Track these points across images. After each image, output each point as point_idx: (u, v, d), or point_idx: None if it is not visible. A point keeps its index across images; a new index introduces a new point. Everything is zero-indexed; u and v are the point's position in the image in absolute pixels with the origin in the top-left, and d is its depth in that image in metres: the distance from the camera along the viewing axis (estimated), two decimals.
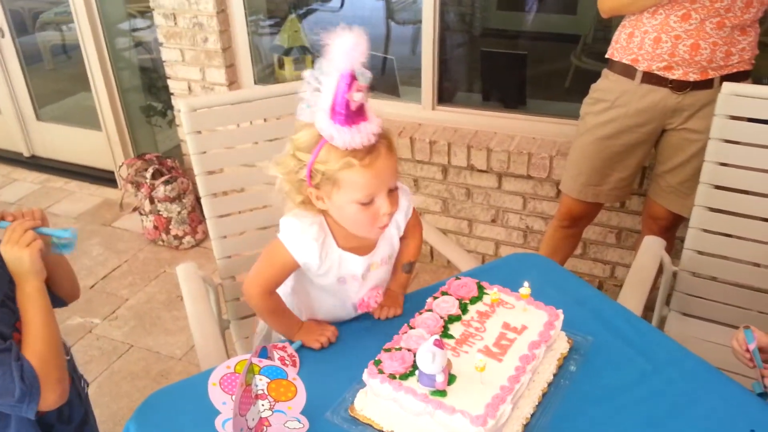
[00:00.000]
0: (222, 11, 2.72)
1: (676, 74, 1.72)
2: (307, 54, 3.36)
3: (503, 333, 1.12)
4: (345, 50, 0.99)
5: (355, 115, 1.03)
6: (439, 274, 2.75)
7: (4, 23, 3.53)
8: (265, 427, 1.03)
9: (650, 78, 1.75)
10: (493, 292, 1.20)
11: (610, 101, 1.84)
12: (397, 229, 1.27)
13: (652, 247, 1.70)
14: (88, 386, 1.46)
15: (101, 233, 3.13)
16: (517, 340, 1.10)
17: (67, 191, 3.56)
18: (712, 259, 1.68)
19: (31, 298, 1.14)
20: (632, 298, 1.46)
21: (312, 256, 1.17)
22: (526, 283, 1.18)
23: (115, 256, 2.95)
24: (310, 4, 4.02)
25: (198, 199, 3.05)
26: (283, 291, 1.30)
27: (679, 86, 1.73)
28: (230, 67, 2.85)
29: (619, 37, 1.82)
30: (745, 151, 1.59)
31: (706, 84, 1.72)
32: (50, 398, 1.11)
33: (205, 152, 1.73)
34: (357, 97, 1.00)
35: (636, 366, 1.16)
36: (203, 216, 3.11)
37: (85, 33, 3.17)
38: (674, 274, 1.72)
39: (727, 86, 1.59)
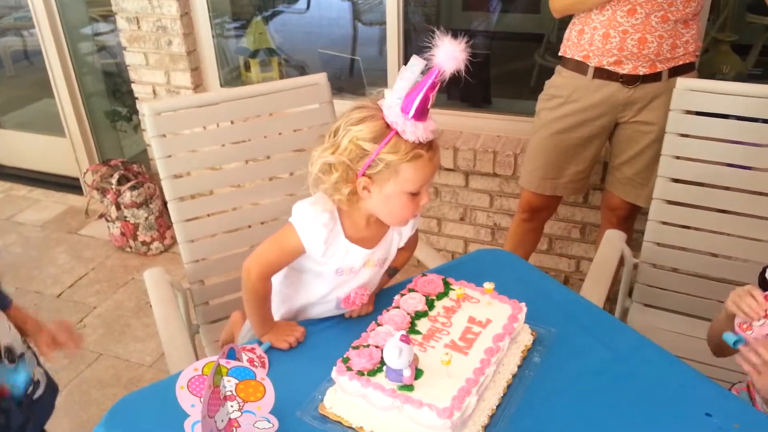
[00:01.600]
0: (186, 14, 2.71)
1: (626, 68, 1.78)
2: (273, 56, 3.36)
3: (468, 327, 1.15)
4: (451, 56, 1.05)
5: (424, 111, 1.09)
6: (410, 272, 2.73)
7: None
8: (234, 428, 1.04)
9: (601, 73, 1.81)
10: (458, 288, 1.22)
11: (564, 97, 1.89)
12: (399, 236, 1.32)
13: (613, 240, 1.75)
14: (48, 390, 1.41)
15: (67, 241, 3.08)
16: (482, 333, 1.13)
17: (32, 199, 3.49)
18: (671, 251, 1.73)
19: None
20: (594, 290, 1.50)
21: (318, 242, 1.20)
22: (488, 284, 1.21)
23: (81, 264, 2.90)
24: (276, 6, 4.02)
25: (165, 204, 3.04)
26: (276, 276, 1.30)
27: (630, 80, 1.79)
28: (195, 70, 2.83)
29: (570, 34, 1.87)
30: (699, 145, 1.64)
31: (655, 77, 1.79)
32: None
33: (170, 156, 1.72)
34: (423, 97, 1.07)
35: (597, 355, 1.20)
36: (171, 221, 3.09)
37: (47, 38, 3.12)
38: (635, 266, 1.77)
39: (681, 82, 1.65)
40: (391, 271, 1.41)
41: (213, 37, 2.79)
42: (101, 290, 2.73)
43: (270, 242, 1.25)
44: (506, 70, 3.10)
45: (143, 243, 2.91)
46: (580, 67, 1.84)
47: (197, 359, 1.42)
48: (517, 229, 2.22)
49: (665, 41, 1.74)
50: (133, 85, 2.93)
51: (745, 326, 1.19)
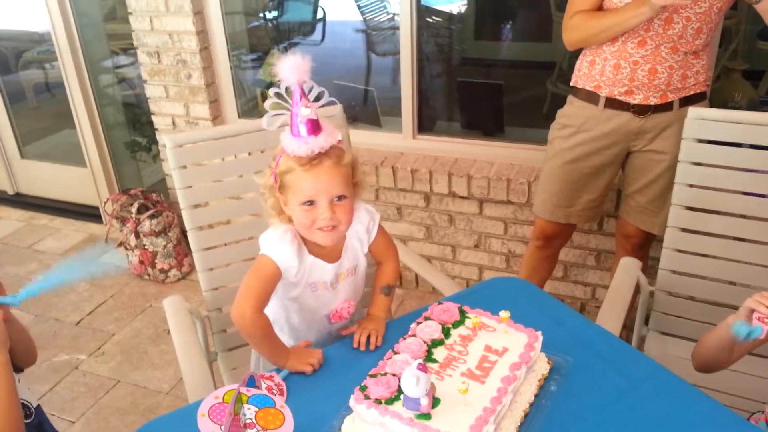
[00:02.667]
0: (205, 48, 2.78)
1: (637, 99, 1.80)
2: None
3: (485, 355, 1.16)
4: (290, 66, 1.16)
5: (307, 128, 1.19)
6: (425, 299, 2.78)
7: None
8: None
9: (612, 103, 1.83)
10: (474, 316, 1.24)
11: (576, 126, 1.91)
12: (359, 243, 1.39)
13: (629, 268, 1.75)
14: None
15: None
16: (499, 362, 1.14)
17: (53, 228, 3.56)
18: (687, 279, 1.73)
19: None
20: (610, 318, 1.50)
21: (291, 260, 1.29)
22: (504, 312, 1.23)
23: (100, 291, 2.95)
24: (291, 38, 4.10)
25: (183, 232, 3.08)
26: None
27: (641, 110, 1.81)
28: (214, 102, 2.90)
29: (581, 65, 1.90)
30: (712, 173, 1.65)
31: (666, 107, 1.80)
32: None
33: (191, 186, 1.76)
34: (304, 111, 1.18)
35: (614, 384, 1.20)
36: (189, 249, 3.13)
37: (69, 71, 3.21)
38: (651, 294, 1.77)
39: (693, 111, 1.67)
40: (386, 290, 1.43)
41: (231, 69, 2.86)
42: (120, 317, 2.76)
43: (248, 277, 1.31)
44: (519, 98, 3.13)
45: (161, 271, 2.95)
46: (591, 97, 1.87)
47: (216, 387, 1.45)
48: (531, 257, 2.22)
49: (675, 72, 1.76)
50: (153, 117, 3.00)
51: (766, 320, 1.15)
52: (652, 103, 1.80)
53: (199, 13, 2.70)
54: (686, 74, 1.77)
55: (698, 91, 1.81)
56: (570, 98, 1.96)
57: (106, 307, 2.84)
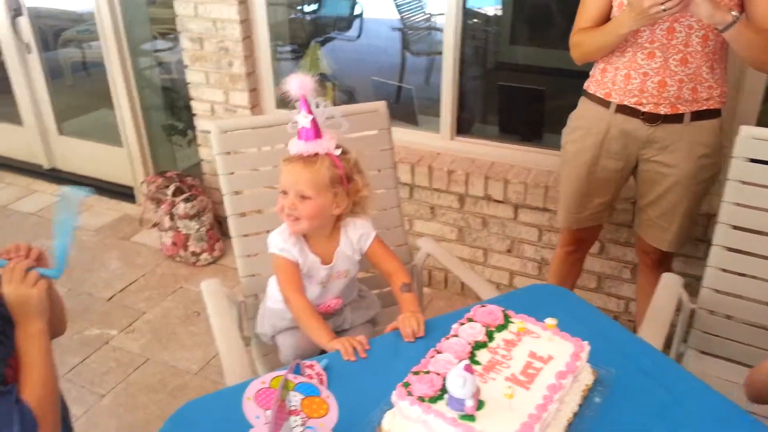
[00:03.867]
0: (247, 37, 2.80)
1: (647, 107, 1.79)
2: (325, 81, 3.43)
3: (530, 362, 1.15)
4: (296, 83, 1.40)
5: (303, 134, 1.43)
6: (453, 300, 2.78)
7: (32, 39, 3.62)
8: None
9: (623, 109, 1.83)
10: (520, 321, 1.23)
11: (586, 128, 1.91)
12: (351, 251, 1.57)
13: (671, 284, 1.73)
14: None
15: (120, 247, 3.18)
16: (544, 369, 1.13)
17: (86, 205, 3.60)
18: (730, 298, 1.70)
19: (34, 340, 1.11)
20: (652, 333, 1.48)
21: (296, 254, 1.51)
22: (550, 319, 1.22)
23: (132, 270, 2.99)
24: (327, 33, 4.11)
25: (216, 217, 3.11)
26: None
27: (651, 118, 1.80)
28: (253, 90, 2.91)
29: (594, 71, 1.91)
30: (761, 193, 1.63)
31: (677, 118, 1.79)
32: None
33: (233, 173, 1.78)
34: (302, 120, 1.41)
35: (658, 398, 1.19)
36: (221, 234, 3.17)
37: (111, 51, 3.24)
38: (692, 312, 1.75)
39: (744, 129, 1.64)
40: (405, 287, 1.52)
41: (272, 60, 2.87)
42: (150, 297, 2.80)
43: (276, 276, 1.55)
44: (555, 105, 3.11)
45: (193, 254, 2.98)
46: (603, 102, 1.87)
47: (253, 372, 1.46)
48: (561, 263, 2.22)
49: (685, 85, 1.74)
50: (192, 102, 3.03)
51: None
52: (662, 113, 1.78)
53: (243, 2, 2.72)
54: (696, 88, 1.75)
55: (712, 107, 1.79)
56: (581, 100, 1.97)
57: (137, 285, 2.88)
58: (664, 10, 1.56)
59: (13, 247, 1.15)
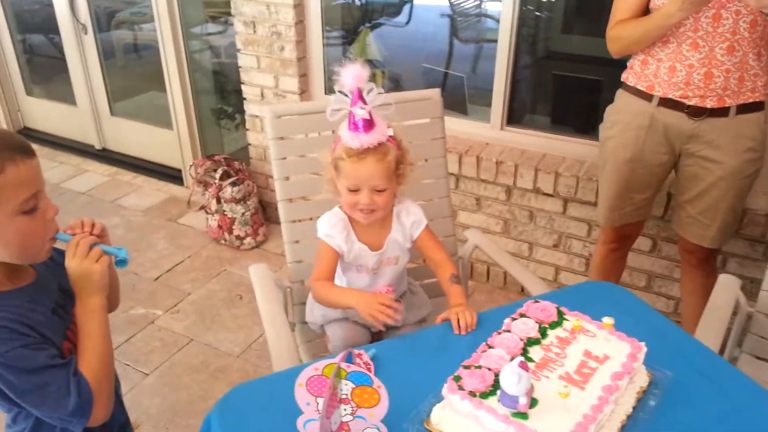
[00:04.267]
0: (300, 22, 2.80)
1: (692, 100, 1.73)
2: (374, 67, 3.41)
3: (584, 361, 1.12)
4: (351, 74, 1.35)
5: (361, 125, 1.37)
6: (494, 294, 2.75)
7: (88, 20, 3.69)
8: (344, 431, 1.06)
9: (666, 102, 1.77)
10: (575, 319, 1.20)
11: (626, 122, 1.85)
12: (402, 236, 1.55)
13: (728, 285, 1.67)
14: None
15: (167, 228, 3.24)
16: (599, 369, 1.10)
17: (135, 185, 3.69)
18: None
19: (93, 314, 1.13)
20: (708, 336, 1.43)
21: (340, 242, 1.50)
22: (607, 319, 1.19)
23: (179, 251, 3.04)
24: (376, 18, 4.08)
25: (261, 202, 3.14)
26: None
27: (696, 112, 1.74)
28: (303, 76, 2.91)
29: (633, 63, 1.84)
30: None
31: (723, 112, 1.73)
32: (100, 414, 1.11)
33: (285, 158, 1.78)
34: (359, 112, 1.36)
35: (716, 404, 1.15)
36: (265, 219, 3.19)
37: (165, 33, 3.27)
38: (749, 315, 1.69)
39: None
40: (453, 278, 1.51)
41: (323, 46, 2.86)
42: (196, 278, 2.84)
43: (316, 258, 1.54)
44: (608, 97, 3.04)
45: (237, 237, 3.02)
46: (644, 95, 1.81)
47: (298, 358, 1.47)
48: (604, 260, 2.17)
49: (732, 75, 1.68)
50: (242, 86, 3.04)
51: None
52: (708, 106, 1.72)
53: None
54: (743, 77, 1.69)
55: (757, 99, 1.73)
56: (620, 93, 1.90)
57: (183, 266, 2.93)
58: None
59: (77, 223, 1.17)
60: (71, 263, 1.12)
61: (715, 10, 1.63)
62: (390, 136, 1.42)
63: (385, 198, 1.44)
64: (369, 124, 1.38)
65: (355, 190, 1.42)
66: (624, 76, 1.88)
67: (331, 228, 1.51)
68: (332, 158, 1.44)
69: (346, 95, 1.38)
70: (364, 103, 1.37)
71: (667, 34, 1.70)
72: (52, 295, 1.16)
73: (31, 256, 1.11)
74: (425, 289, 1.77)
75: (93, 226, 1.18)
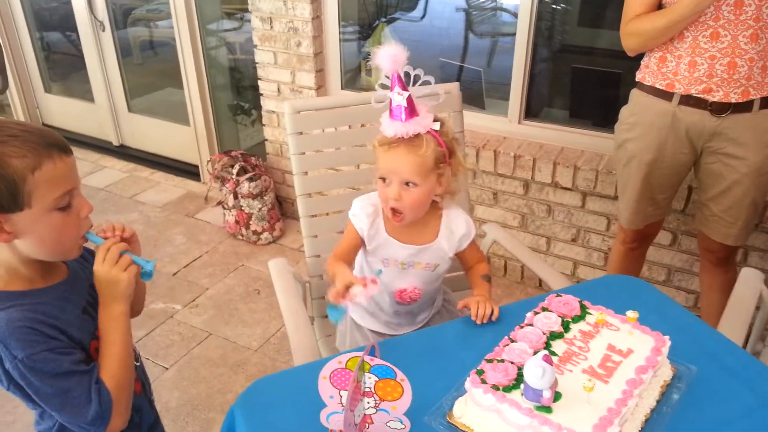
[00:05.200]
0: (317, 17, 2.80)
1: (716, 96, 1.70)
2: None
3: (608, 355, 1.12)
4: (388, 56, 1.25)
5: (399, 113, 1.28)
6: (512, 289, 2.74)
7: (106, 18, 3.72)
8: (367, 424, 1.06)
9: (688, 100, 1.73)
10: (599, 313, 1.20)
11: (647, 124, 1.82)
12: (447, 246, 1.45)
13: (751, 279, 1.65)
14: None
15: (184, 224, 3.26)
16: (623, 363, 1.09)
17: (153, 181, 3.71)
18: None
19: (117, 322, 1.13)
20: (732, 331, 1.42)
21: (364, 226, 1.42)
22: (631, 312, 1.18)
23: (196, 246, 3.06)
24: (391, 13, 4.07)
25: (278, 197, 3.15)
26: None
27: (719, 108, 1.71)
28: (320, 71, 2.92)
29: (649, 61, 1.81)
30: None
31: (746, 107, 1.70)
32: (117, 423, 1.10)
33: (304, 153, 1.79)
34: (396, 98, 1.27)
35: (741, 399, 1.13)
36: (281, 214, 3.21)
37: (182, 30, 3.29)
38: None
39: None
40: (485, 277, 1.48)
41: (340, 41, 2.86)
42: (213, 273, 2.86)
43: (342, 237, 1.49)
44: (625, 90, 3.01)
45: (254, 232, 3.03)
46: (663, 94, 1.77)
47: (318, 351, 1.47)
48: (623, 259, 2.15)
49: (756, 64, 1.65)
50: (259, 82, 3.05)
51: None
52: (732, 101, 1.69)
53: None
54: (767, 65, 1.65)
55: None
56: (636, 93, 1.86)
57: (201, 261, 2.95)
58: None
59: (109, 227, 1.17)
60: (100, 268, 1.12)
61: None
62: (434, 130, 1.32)
63: (417, 196, 1.34)
64: (409, 112, 1.28)
65: (384, 182, 1.35)
66: (639, 76, 1.85)
67: (361, 209, 1.44)
68: (374, 147, 1.37)
69: (388, 86, 1.28)
70: (403, 88, 1.27)
71: (722, 25, 1.65)
72: (84, 294, 1.17)
73: (63, 253, 1.11)
74: (448, 283, 1.76)
75: (123, 230, 1.18)
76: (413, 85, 1.30)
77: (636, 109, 1.87)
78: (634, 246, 2.10)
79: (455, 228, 1.45)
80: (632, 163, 1.89)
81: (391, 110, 1.30)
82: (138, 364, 1.31)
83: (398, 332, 1.57)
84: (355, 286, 1.21)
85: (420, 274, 1.47)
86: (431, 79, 1.30)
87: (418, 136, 1.30)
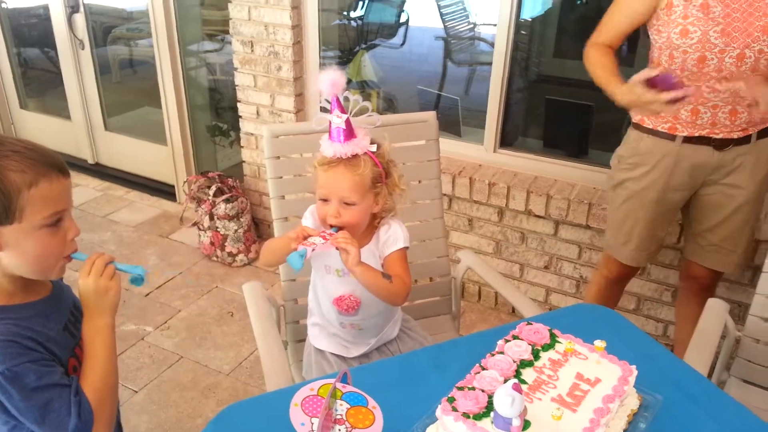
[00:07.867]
0: (297, 42, 2.83)
1: (719, 135, 1.76)
2: (369, 88, 3.45)
3: (576, 383, 1.13)
4: (329, 80, 1.33)
5: (337, 135, 1.36)
6: (486, 314, 2.76)
7: (86, 36, 3.71)
8: None
9: (691, 139, 1.78)
10: (568, 342, 1.22)
11: (651, 164, 1.84)
12: (373, 257, 1.49)
13: (717, 310, 1.69)
14: None
15: (158, 244, 3.23)
16: (591, 392, 1.11)
17: (127, 200, 3.68)
18: None
19: (102, 333, 1.13)
20: (697, 360, 1.45)
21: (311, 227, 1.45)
22: (599, 342, 1.20)
23: (170, 267, 3.03)
24: (371, 40, 4.13)
25: (254, 219, 3.14)
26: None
27: (722, 144, 1.77)
28: (299, 95, 2.94)
29: None
30: None
31: (746, 139, 1.77)
32: None
33: (281, 177, 1.80)
34: (335, 120, 1.35)
35: (704, 428, 1.16)
36: (258, 236, 3.19)
37: (162, 50, 3.29)
38: (737, 340, 1.71)
39: None
40: (388, 276, 1.47)
41: (320, 66, 2.90)
42: (186, 295, 2.83)
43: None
44: (600, 121, 3.08)
45: (229, 254, 3.02)
46: (665, 135, 1.81)
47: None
48: (603, 290, 2.16)
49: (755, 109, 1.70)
50: (239, 104, 3.07)
51: None
52: (734, 137, 1.75)
53: (296, 8, 2.75)
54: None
55: None
56: (637, 135, 1.87)
57: (174, 283, 2.92)
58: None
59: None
60: (87, 280, 1.13)
61: (740, 50, 1.63)
62: (371, 152, 1.39)
63: (355, 214, 1.40)
64: (347, 134, 1.36)
65: (325, 201, 1.41)
66: (638, 118, 1.85)
67: (310, 214, 1.52)
68: (315, 168, 1.43)
69: (328, 110, 1.36)
70: (342, 111, 1.34)
71: (690, 75, 1.69)
72: (66, 313, 1.17)
73: (44, 271, 1.12)
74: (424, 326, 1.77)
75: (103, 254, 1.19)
76: (351, 112, 1.37)
77: (638, 149, 1.86)
78: (619, 279, 2.11)
79: (383, 235, 1.50)
80: (635, 202, 1.89)
81: (330, 132, 1.37)
82: None
83: (352, 353, 1.59)
84: (312, 237, 1.34)
85: (354, 281, 1.45)
86: (369, 104, 1.39)
87: (356, 156, 1.37)
